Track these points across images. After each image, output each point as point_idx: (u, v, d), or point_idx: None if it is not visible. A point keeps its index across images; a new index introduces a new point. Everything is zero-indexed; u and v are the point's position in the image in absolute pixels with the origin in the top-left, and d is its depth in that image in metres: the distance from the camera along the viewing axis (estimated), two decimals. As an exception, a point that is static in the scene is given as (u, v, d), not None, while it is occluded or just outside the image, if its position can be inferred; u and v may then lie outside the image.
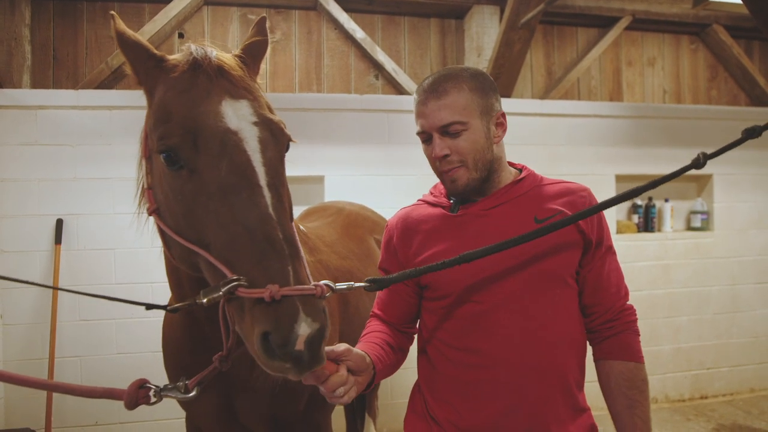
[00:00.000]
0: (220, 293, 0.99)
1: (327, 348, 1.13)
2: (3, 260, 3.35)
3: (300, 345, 0.93)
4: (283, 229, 1.05)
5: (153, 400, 1.09)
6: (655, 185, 1.02)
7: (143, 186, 1.29)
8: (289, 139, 1.24)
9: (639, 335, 1.38)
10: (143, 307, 1.16)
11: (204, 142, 1.10)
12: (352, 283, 1.14)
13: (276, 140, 1.19)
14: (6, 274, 3.33)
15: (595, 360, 1.40)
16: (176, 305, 1.13)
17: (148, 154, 1.24)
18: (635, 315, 1.39)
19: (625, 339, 1.35)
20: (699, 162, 0.97)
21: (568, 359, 1.31)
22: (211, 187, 1.07)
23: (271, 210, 1.06)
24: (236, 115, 1.14)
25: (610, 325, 1.36)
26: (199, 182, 1.09)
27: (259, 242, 1.01)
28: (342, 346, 1.16)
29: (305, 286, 0.98)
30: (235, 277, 0.99)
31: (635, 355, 1.34)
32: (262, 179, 1.09)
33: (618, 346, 1.35)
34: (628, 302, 1.40)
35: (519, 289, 1.29)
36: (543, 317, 1.29)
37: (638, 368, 1.34)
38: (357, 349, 1.21)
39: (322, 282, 1.05)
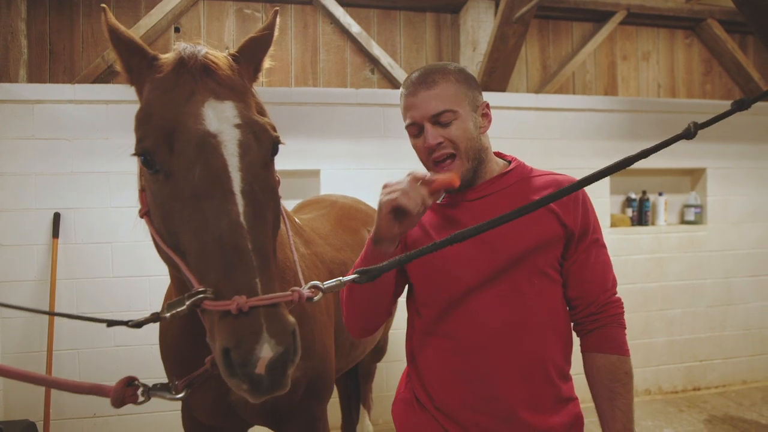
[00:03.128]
0: (184, 306, 0.95)
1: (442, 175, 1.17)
2: (1, 254, 3.37)
3: (261, 368, 0.88)
4: (254, 239, 1.00)
5: (141, 399, 1.05)
6: (646, 155, 0.99)
7: (139, 188, 1.26)
8: (276, 141, 1.18)
9: (624, 328, 1.38)
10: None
11: (180, 145, 1.06)
12: (341, 278, 1.11)
13: (259, 143, 1.13)
14: (4, 267, 3.35)
15: (581, 352, 1.40)
16: (138, 320, 1.05)
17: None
18: (621, 308, 1.39)
19: (608, 332, 1.35)
20: (690, 131, 0.97)
21: (548, 349, 1.32)
22: (184, 192, 1.04)
23: (242, 218, 1.01)
24: (217, 117, 1.09)
25: (594, 318, 1.36)
26: (174, 187, 1.05)
27: (226, 252, 0.97)
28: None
29: (277, 294, 0.94)
30: (201, 289, 0.95)
31: (619, 348, 1.34)
32: (237, 186, 1.04)
33: (601, 338, 1.35)
34: (615, 295, 1.39)
35: (498, 279, 1.30)
36: (521, 307, 1.30)
37: (621, 361, 1.33)
38: None
39: (311, 283, 1.03)
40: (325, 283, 1.08)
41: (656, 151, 0.99)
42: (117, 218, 3.46)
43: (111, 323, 1.05)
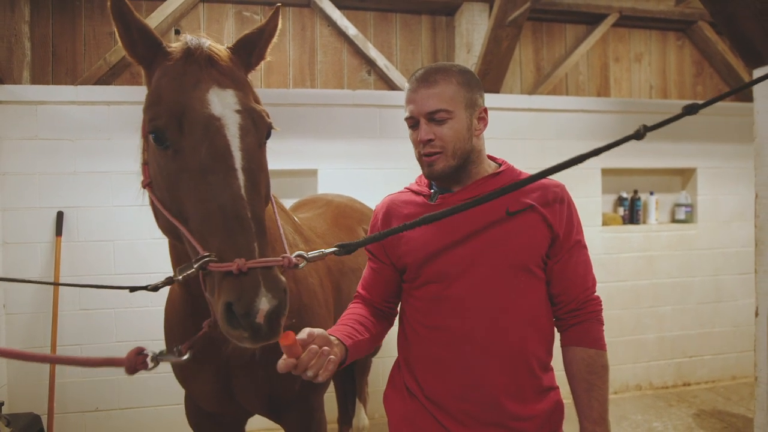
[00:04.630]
0: (194, 269, 1.08)
1: (300, 335, 1.21)
2: (5, 252, 3.44)
3: (260, 318, 1.02)
4: (252, 210, 1.14)
5: (150, 365, 1.13)
6: (599, 152, 1.06)
7: (141, 162, 1.38)
8: (270, 127, 1.33)
9: (602, 324, 1.46)
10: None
11: (189, 125, 1.19)
12: (323, 250, 1.25)
13: (256, 128, 1.28)
14: (8, 265, 3.43)
15: (561, 346, 1.48)
16: (156, 284, 1.19)
17: (145, 133, 1.33)
18: (600, 305, 1.47)
19: (587, 327, 1.43)
20: (639, 133, 1.04)
21: (530, 342, 1.40)
22: (191, 166, 1.17)
23: (243, 191, 1.15)
24: (221, 103, 1.23)
25: (575, 314, 1.44)
26: (182, 161, 1.19)
27: (229, 220, 1.11)
28: (305, 333, 1.22)
29: (271, 258, 1.08)
30: (206, 254, 1.08)
31: (596, 343, 1.42)
32: (238, 163, 1.18)
33: (580, 333, 1.43)
34: (594, 293, 1.48)
35: (485, 274, 1.38)
36: (506, 301, 1.38)
37: (598, 355, 1.41)
38: (318, 330, 1.27)
39: (296, 252, 1.17)
40: (309, 253, 1.22)
41: (607, 150, 1.06)
42: (119, 217, 3.53)
43: (133, 289, 1.23)
